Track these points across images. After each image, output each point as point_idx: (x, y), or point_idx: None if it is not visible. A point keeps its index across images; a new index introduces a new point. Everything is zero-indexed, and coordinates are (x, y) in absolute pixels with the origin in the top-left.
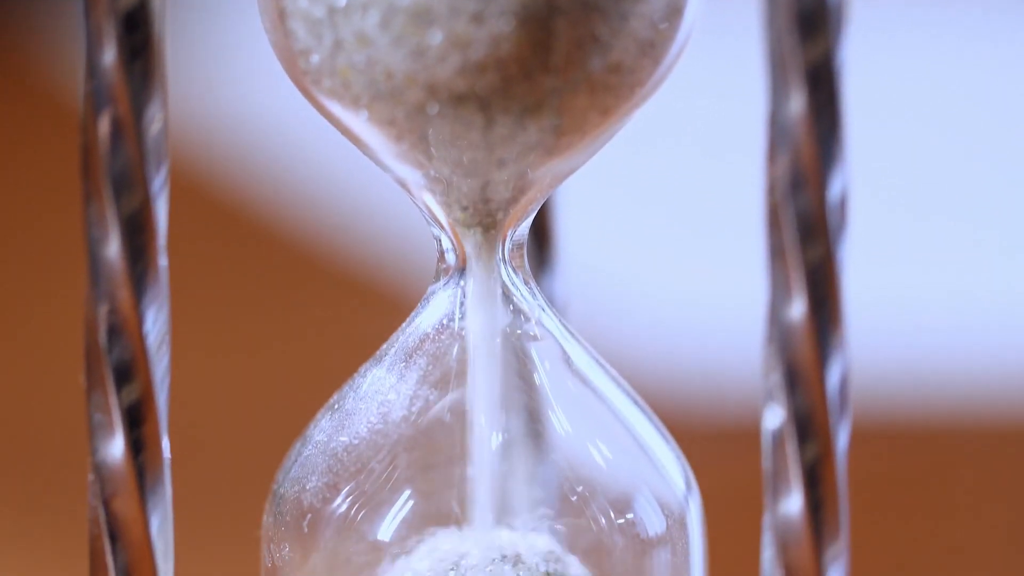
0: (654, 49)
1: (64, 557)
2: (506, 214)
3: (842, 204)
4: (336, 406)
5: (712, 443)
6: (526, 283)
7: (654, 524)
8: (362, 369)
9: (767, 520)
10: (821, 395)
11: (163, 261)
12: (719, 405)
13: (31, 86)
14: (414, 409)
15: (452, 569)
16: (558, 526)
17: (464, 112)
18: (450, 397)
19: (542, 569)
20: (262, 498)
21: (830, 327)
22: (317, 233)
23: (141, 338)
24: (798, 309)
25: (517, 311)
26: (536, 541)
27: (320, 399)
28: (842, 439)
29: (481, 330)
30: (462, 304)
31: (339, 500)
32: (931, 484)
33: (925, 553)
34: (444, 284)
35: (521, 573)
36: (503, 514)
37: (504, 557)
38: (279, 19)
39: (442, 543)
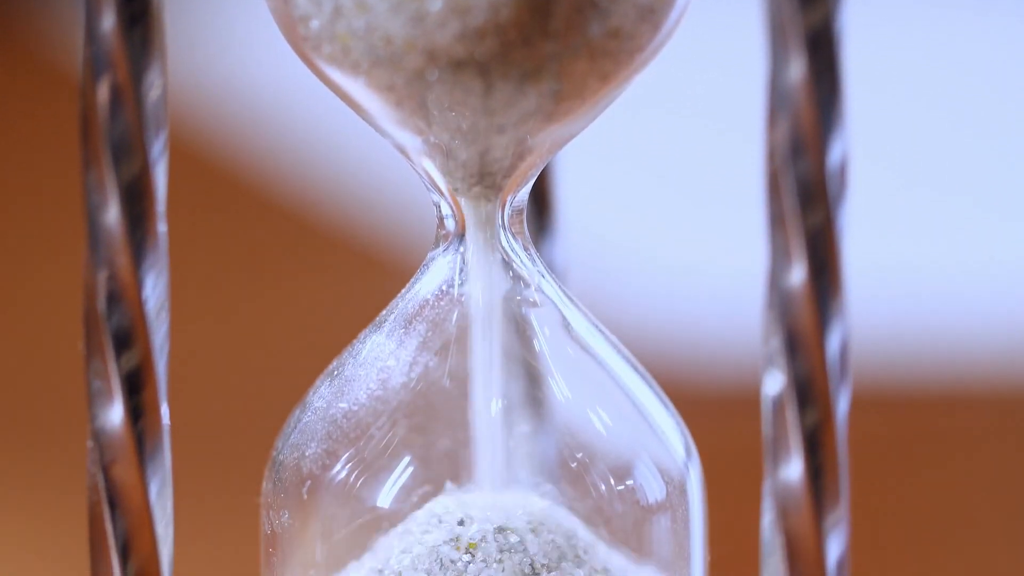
0: (653, 14)
1: (63, 524)
2: (506, 180)
3: (842, 170)
4: (335, 372)
5: (712, 409)
6: (526, 249)
7: (654, 490)
8: (361, 335)
9: (767, 486)
10: (821, 361)
11: (162, 227)
12: (719, 371)
13: (30, 53)
14: (413, 375)
15: (453, 540)
16: (558, 492)
17: (463, 78)
18: (450, 363)
19: (545, 536)
20: (261, 465)
21: (830, 293)
22: (316, 199)
23: (140, 304)
24: (798, 275)
25: (517, 277)
26: (536, 503)
27: (319, 365)
28: (842, 405)
29: (480, 296)
30: (461, 270)
31: (339, 466)
32: (931, 450)
33: (925, 518)
34: (443, 250)
35: (520, 537)
36: (503, 479)
37: (504, 523)
38: None
39: (441, 506)
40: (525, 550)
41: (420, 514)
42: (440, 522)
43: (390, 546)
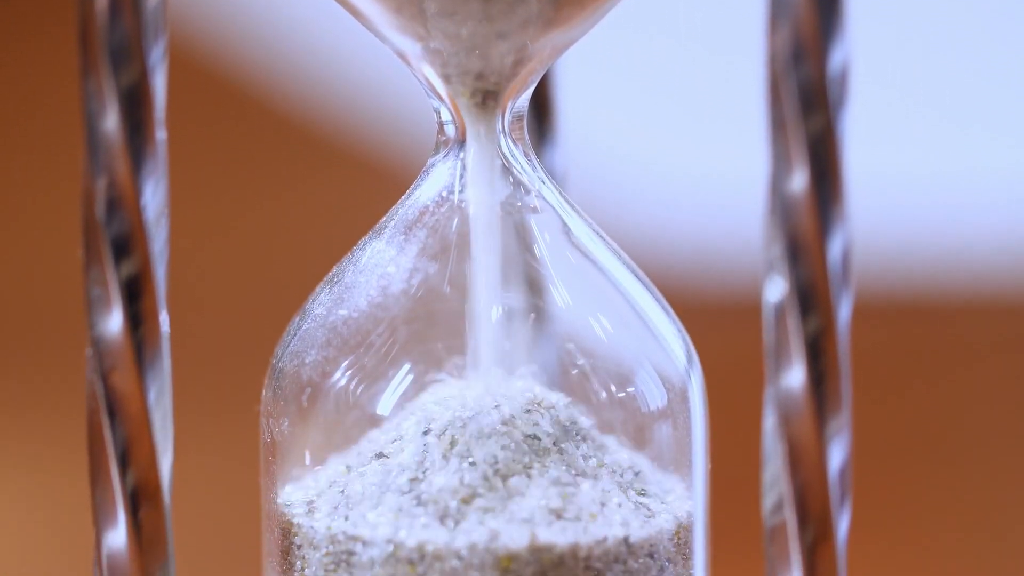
0: None
1: (62, 432)
2: (506, 86)
3: (843, 76)
4: (335, 279)
5: (713, 316)
6: (526, 155)
7: (655, 397)
8: (361, 242)
9: (768, 393)
10: (822, 267)
11: (161, 134)
12: (720, 278)
13: None
14: (414, 282)
15: (460, 418)
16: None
17: None
18: (450, 270)
19: (548, 414)
20: (261, 372)
21: (831, 199)
22: (316, 106)
23: (139, 211)
24: (799, 181)
25: (517, 183)
26: (537, 388)
27: (319, 273)
28: (844, 311)
29: (481, 202)
30: (462, 176)
31: (338, 374)
32: (935, 359)
33: (927, 425)
34: (443, 156)
35: (523, 412)
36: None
37: (506, 402)
38: None
39: (444, 390)
40: (536, 424)
41: (425, 396)
42: (445, 401)
43: (397, 426)
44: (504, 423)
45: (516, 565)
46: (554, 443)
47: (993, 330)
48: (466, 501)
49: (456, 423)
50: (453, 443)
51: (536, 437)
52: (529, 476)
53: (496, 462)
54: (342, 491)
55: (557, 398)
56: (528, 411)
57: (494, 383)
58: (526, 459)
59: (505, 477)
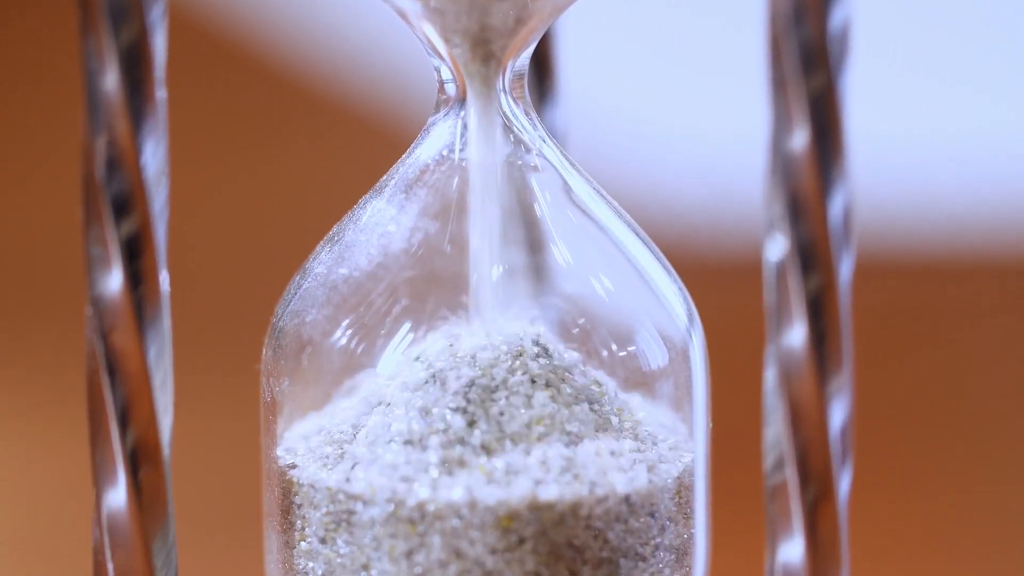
0: None
1: (62, 392)
2: (507, 45)
3: (844, 34)
4: (336, 238)
5: (714, 275)
6: (527, 114)
7: (656, 356)
8: (362, 201)
9: (769, 352)
10: (823, 225)
11: (161, 93)
12: (721, 237)
13: None
14: (414, 241)
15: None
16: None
17: None
18: (450, 228)
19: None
20: (261, 332)
21: (832, 157)
22: (316, 65)
23: (139, 170)
24: (800, 139)
25: (518, 142)
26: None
27: (320, 231)
28: (845, 269)
29: (481, 161)
30: (462, 135)
31: (339, 333)
32: (935, 316)
33: (929, 385)
34: (444, 115)
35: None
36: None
37: (514, 340)
38: None
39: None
40: (551, 358)
41: (433, 336)
42: (451, 342)
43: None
44: (509, 372)
45: (517, 524)
46: (555, 393)
47: (995, 289)
48: (463, 463)
49: (457, 372)
50: (459, 398)
51: (538, 382)
52: (530, 431)
53: (500, 415)
54: (342, 452)
55: (558, 346)
56: (531, 359)
57: (495, 331)
58: (529, 414)
59: (507, 434)
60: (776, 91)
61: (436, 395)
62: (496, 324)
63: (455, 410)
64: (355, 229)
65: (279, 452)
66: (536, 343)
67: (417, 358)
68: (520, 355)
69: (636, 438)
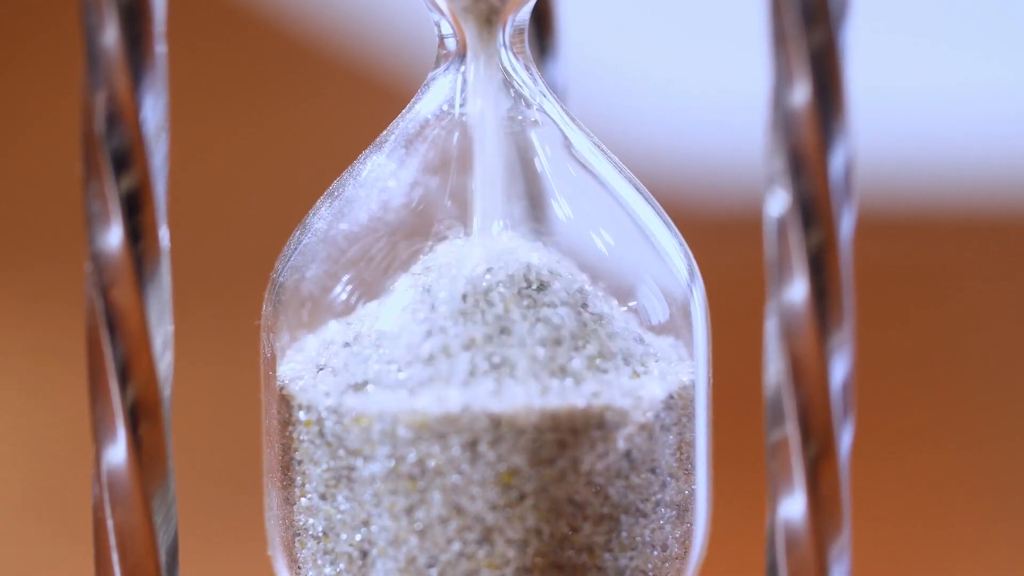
0: None
1: (62, 348)
2: None
3: None
4: (336, 193)
5: (715, 231)
6: (527, 69)
7: (657, 312)
8: (362, 156)
9: (770, 307)
10: (824, 180)
11: (161, 48)
12: (722, 192)
13: None
14: (414, 196)
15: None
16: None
17: None
18: (451, 184)
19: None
20: (261, 287)
21: (833, 112)
22: (316, 20)
23: (139, 125)
24: (801, 94)
25: (518, 97)
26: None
27: (320, 186)
28: (846, 225)
29: (482, 116)
30: (462, 90)
31: (339, 288)
32: (937, 272)
33: (930, 341)
34: (444, 70)
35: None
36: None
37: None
38: None
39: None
40: (572, 283)
41: (441, 248)
42: (442, 267)
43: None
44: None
45: (517, 480)
46: (557, 317)
47: (996, 245)
48: (460, 429)
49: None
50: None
51: (539, 300)
52: (537, 379)
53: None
54: (337, 409)
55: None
56: (536, 287)
57: (492, 248)
58: (531, 351)
59: (507, 368)
60: (777, 46)
61: (430, 305)
62: (493, 240)
63: (450, 359)
64: (355, 184)
65: (279, 407)
66: (539, 269)
67: (411, 284)
68: (546, 271)
69: (642, 357)
